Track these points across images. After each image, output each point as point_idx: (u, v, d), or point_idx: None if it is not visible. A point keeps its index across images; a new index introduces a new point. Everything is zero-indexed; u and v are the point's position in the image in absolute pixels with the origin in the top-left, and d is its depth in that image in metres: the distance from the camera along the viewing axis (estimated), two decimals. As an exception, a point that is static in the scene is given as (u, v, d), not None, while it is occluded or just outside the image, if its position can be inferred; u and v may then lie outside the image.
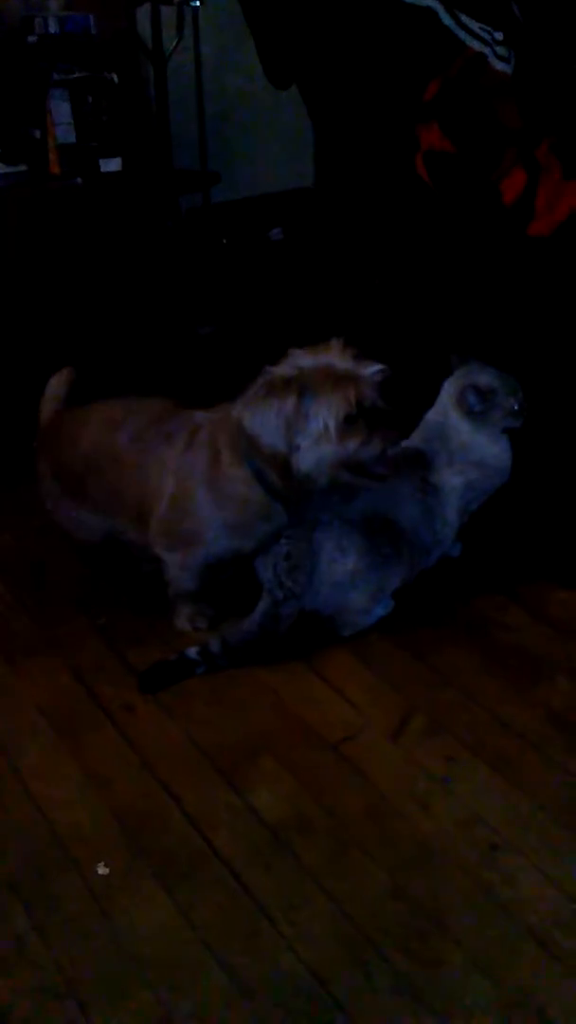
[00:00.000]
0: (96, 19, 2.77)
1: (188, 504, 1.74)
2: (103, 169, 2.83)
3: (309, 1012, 1.19)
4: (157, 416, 1.80)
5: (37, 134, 2.77)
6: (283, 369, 1.62)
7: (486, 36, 1.97)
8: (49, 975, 1.24)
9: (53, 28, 2.73)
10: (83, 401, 1.98)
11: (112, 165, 2.85)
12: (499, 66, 1.98)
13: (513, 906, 1.31)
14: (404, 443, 1.87)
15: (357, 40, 2.05)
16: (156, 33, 2.85)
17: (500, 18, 2.00)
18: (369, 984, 1.22)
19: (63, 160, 2.77)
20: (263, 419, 1.60)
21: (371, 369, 1.61)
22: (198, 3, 2.89)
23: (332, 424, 1.58)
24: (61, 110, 2.73)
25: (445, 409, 1.86)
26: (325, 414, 1.58)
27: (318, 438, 1.59)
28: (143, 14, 2.90)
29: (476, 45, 1.96)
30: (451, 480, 1.83)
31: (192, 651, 1.73)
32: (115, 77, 2.80)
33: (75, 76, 2.75)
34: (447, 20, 1.94)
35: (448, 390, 1.87)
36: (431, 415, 1.89)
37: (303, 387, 1.58)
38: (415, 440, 1.87)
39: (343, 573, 1.72)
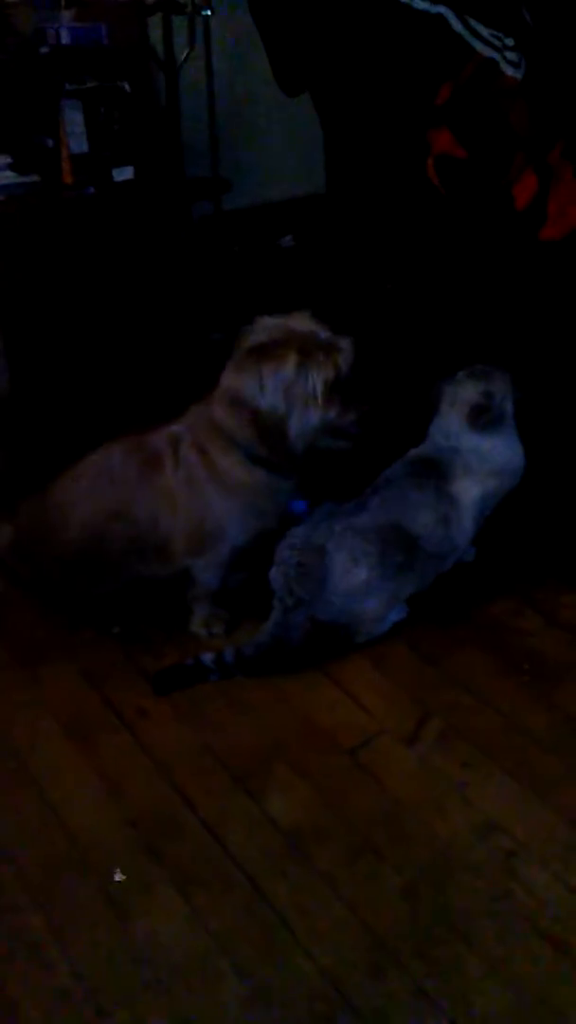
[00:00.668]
0: (108, 29, 2.78)
1: (201, 509, 1.75)
2: (116, 178, 2.84)
3: (326, 1017, 1.19)
4: (128, 453, 1.80)
5: (50, 144, 2.78)
6: (266, 335, 1.66)
7: (496, 42, 1.97)
8: (65, 980, 1.24)
9: (65, 39, 2.74)
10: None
11: (124, 174, 2.86)
12: (510, 71, 1.98)
13: (530, 912, 1.30)
14: (415, 451, 1.87)
15: (368, 46, 2.06)
16: (168, 43, 2.87)
17: (510, 24, 2.01)
18: (386, 990, 1.21)
19: (76, 170, 2.78)
20: (262, 382, 1.63)
21: (346, 340, 1.66)
22: (209, 12, 2.91)
23: (320, 390, 1.62)
24: (74, 120, 2.75)
25: (451, 424, 1.84)
26: (315, 379, 1.62)
27: (307, 403, 1.63)
28: (155, 24, 2.92)
29: (487, 51, 1.97)
30: (470, 491, 1.82)
31: (207, 658, 1.74)
32: (127, 86, 2.82)
33: (87, 86, 2.76)
34: (458, 26, 1.95)
35: (454, 405, 1.84)
36: (436, 428, 1.88)
37: (300, 351, 1.61)
38: (427, 449, 1.87)
39: (357, 583, 1.72)
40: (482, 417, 1.79)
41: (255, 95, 3.31)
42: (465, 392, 1.83)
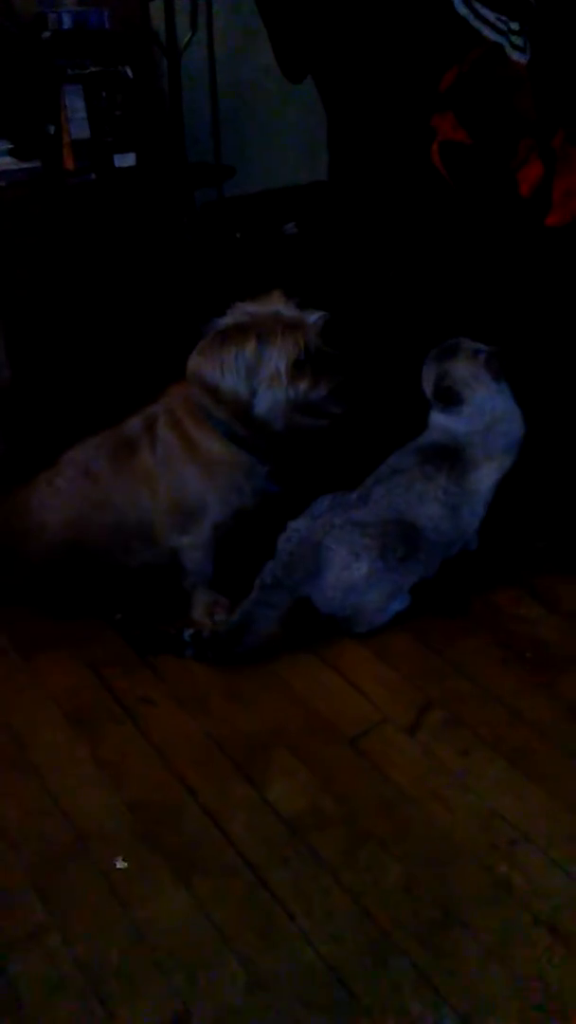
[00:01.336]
0: (110, 14, 2.76)
1: (181, 485, 1.79)
2: (117, 164, 2.82)
3: (326, 1005, 1.19)
4: (102, 444, 1.83)
5: (51, 130, 2.76)
6: (232, 319, 1.71)
7: (502, 26, 1.95)
8: (68, 967, 1.24)
9: (67, 23, 2.72)
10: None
11: (126, 160, 2.84)
12: (515, 56, 1.96)
13: (530, 899, 1.31)
14: (425, 440, 1.84)
15: (372, 30, 2.04)
16: (170, 27, 2.84)
17: (516, 8, 1.99)
18: (386, 976, 1.22)
19: (77, 155, 2.76)
20: (222, 366, 1.68)
21: (314, 316, 1.71)
22: (211, -4, 2.88)
23: (283, 368, 1.67)
24: (75, 105, 2.72)
25: (473, 394, 1.81)
26: (276, 358, 1.67)
27: (271, 381, 1.68)
28: (157, 8, 2.89)
29: (492, 35, 1.95)
30: (489, 476, 1.82)
31: (188, 632, 1.75)
32: (129, 72, 2.79)
33: (89, 71, 2.74)
34: (463, 10, 1.93)
35: (472, 376, 1.81)
36: (434, 416, 1.87)
37: (259, 333, 1.65)
38: (439, 437, 1.84)
39: (358, 577, 1.72)
40: (444, 399, 1.79)
41: (258, 81, 3.28)
42: (429, 374, 1.83)
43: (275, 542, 1.76)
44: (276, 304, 1.72)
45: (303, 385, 1.71)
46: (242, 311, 1.73)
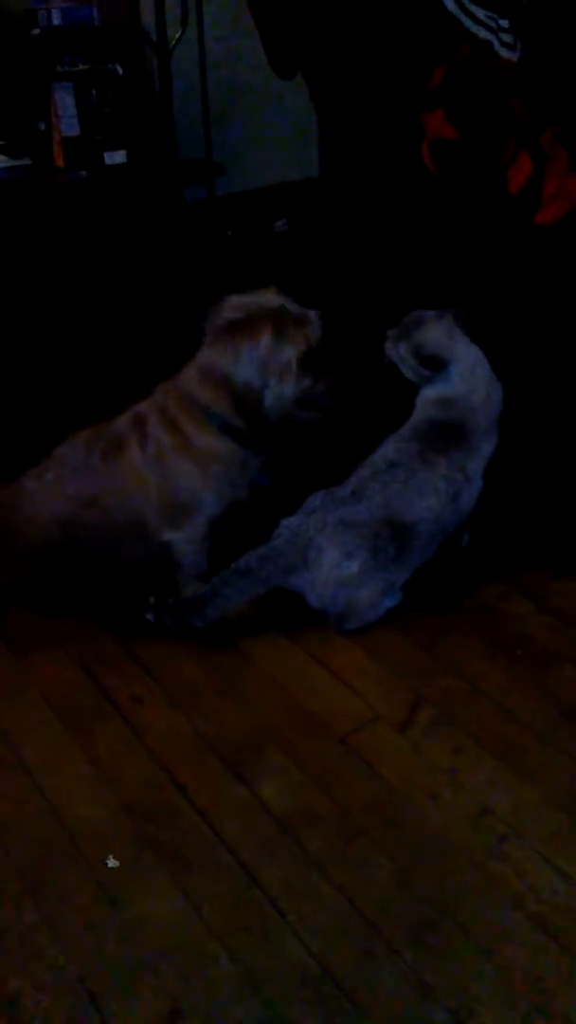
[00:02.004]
0: (99, 11, 2.76)
1: (175, 482, 1.79)
2: (108, 162, 2.82)
3: (317, 1003, 1.19)
4: (89, 442, 1.83)
5: (42, 127, 2.76)
6: (233, 312, 1.73)
7: (491, 23, 1.95)
8: (59, 966, 1.24)
9: (57, 20, 2.72)
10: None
11: (117, 158, 2.84)
12: (504, 53, 1.97)
13: (522, 897, 1.31)
14: (421, 420, 1.84)
15: (362, 28, 2.04)
16: (160, 24, 2.84)
17: (505, 5, 1.99)
18: (378, 974, 1.22)
19: (67, 153, 2.76)
20: (237, 357, 1.69)
21: (315, 312, 1.74)
22: (201, -7, 2.88)
23: (294, 361, 1.69)
24: (65, 103, 2.72)
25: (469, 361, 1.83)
26: (289, 352, 1.69)
27: (282, 375, 1.70)
28: (147, 5, 2.89)
29: (481, 32, 1.95)
30: (484, 450, 1.83)
31: (153, 599, 1.76)
32: (119, 69, 2.79)
33: (79, 68, 2.74)
34: (452, 7, 1.93)
35: (447, 335, 1.83)
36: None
37: (275, 325, 1.68)
38: (434, 413, 1.84)
39: (349, 575, 1.72)
40: (431, 366, 1.81)
41: (248, 78, 3.28)
42: (403, 355, 1.85)
43: (268, 537, 1.75)
44: (276, 299, 1.74)
45: (307, 380, 1.73)
46: (238, 303, 1.74)
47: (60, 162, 2.77)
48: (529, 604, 1.88)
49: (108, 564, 1.86)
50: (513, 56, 1.98)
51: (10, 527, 1.84)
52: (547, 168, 1.94)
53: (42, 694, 1.70)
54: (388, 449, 1.82)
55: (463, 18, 1.93)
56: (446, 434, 1.80)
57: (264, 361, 1.69)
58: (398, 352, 1.85)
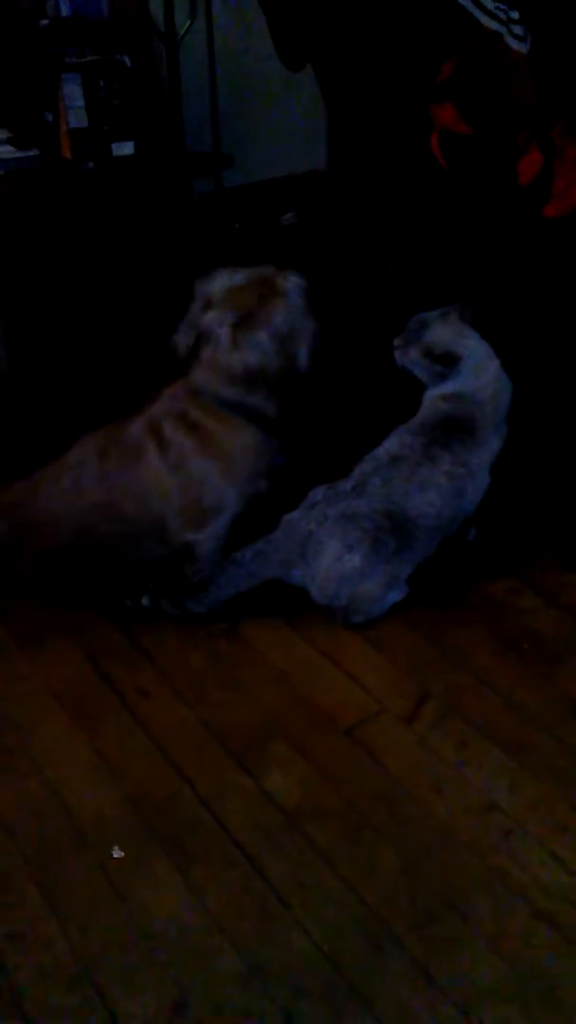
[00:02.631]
0: (108, 2, 2.75)
1: (198, 486, 1.77)
2: (115, 153, 2.81)
3: (323, 994, 1.19)
4: (105, 449, 1.81)
5: (49, 118, 2.75)
6: (224, 293, 1.75)
7: (502, 15, 1.94)
8: (64, 957, 1.25)
9: (65, 11, 2.71)
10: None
11: (124, 149, 2.83)
12: (515, 45, 1.95)
13: (527, 890, 1.31)
14: (429, 416, 1.84)
15: (372, 19, 2.03)
16: (168, 15, 2.83)
17: (516, -4, 1.98)
18: (383, 966, 1.22)
19: (75, 144, 2.75)
20: (262, 351, 1.73)
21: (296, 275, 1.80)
22: (210, -16, 2.87)
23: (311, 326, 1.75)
24: (73, 94, 2.71)
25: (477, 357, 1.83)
26: (313, 323, 1.75)
27: (300, 342, 1.75)
28: (155, -4, 2.88)
29: (491, 24, 1.94)
30: (492, 445, 1.82)
31: (151, 585, 1.80)
32: (127, 60, 2.78)
33: (87, 59, 2.73)
34: (462, -2, 1.92)
35: (456, 332, 1.83)
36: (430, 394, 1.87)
37: (272, 306, 1.73)
38: (445, 409, 1.82)
39: (350, 569, 1.72)
40: (444, 362, 1.80)
41: (257, 70, 3.27)
42: (414, 358, 1.84)
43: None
44: (266, 271, 1.78)
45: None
46: (231, 279, 1.77)
47: (67, 153, 2.76)
48: (537, 599, 1.87)
49: (124, 565, 1.85)
50: (523, 48, 1.97)
51: (25, 526, 1.83)
52: (557, 161, 1.93)
53: (49, 686, 1.70)
54: (392, 443, 1.82)
55: (473, 9, 1.92)
56: (452, 429, 1.79)
57: (282, 338, 1.72)
58: (409, 357, 1.84)
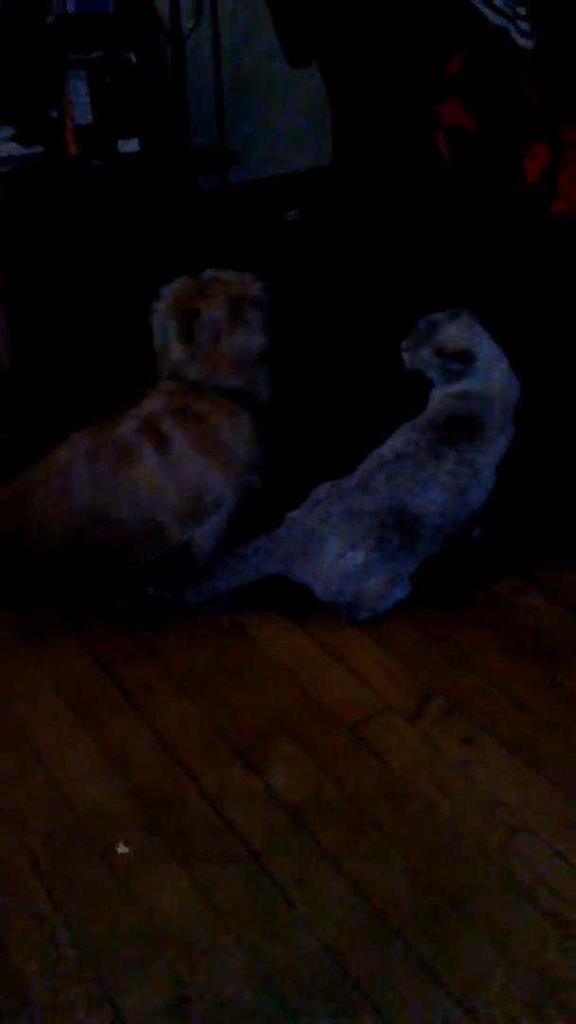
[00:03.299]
0: (114, -2, 2.75)
1: (197, 482, 1.79)
2: (121, 150, 2.81)
3: (328, 992, 1.19)
4: (95, 452, 1.80)
5: (54, 115, 2.75)
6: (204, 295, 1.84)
7: (509, 10, 1.94)
8: (70, 953, 1.25)
9: (71, 8, 2.70)
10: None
11: (130, 146, 2.83)
12: (521, 41, 1.95)
13: (532, 889, 1.31)
14: (438, 413, 1.83)
15: (378, 15, 2.03)
16: (174, 12, 2.83)
17: (523, -8, 1.97)
18: (388, 964, 1.22)
19: (80, 141, 2.75)
20: (250, 330, 1.83)
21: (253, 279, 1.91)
22: (216, -19, 2.86)
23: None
24: (79, 91, 2.71)
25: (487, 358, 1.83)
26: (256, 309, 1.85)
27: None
28: (161, -8, 2.88)
29: (499, 20, 1.94)
30: (499, 444, 1.82)
31: (151, 590, 1.79)
32: (133, 57, 2.78)
33: (93, 56, 2.73)
34: (469, -6, 1.92)
35: (468, 329, 1.83)
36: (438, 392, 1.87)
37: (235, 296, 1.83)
38: (454, 407, 1.82)
39: (354, 566, 1.72)
40: (459, 359, 1.80)
41: (262, 66, 3.27)
42: (425, 358, 1.84)
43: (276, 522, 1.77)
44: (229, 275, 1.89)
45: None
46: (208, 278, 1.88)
47: (73, 150, 2.76)
48: (542, 597, 1.87)
49: (119, 568, 1.85)
50: (530, 44, 1.97)
51: (24, 522, 1.82)
52: (564, 157, 1.93)
53: (54, 682, 1.70)
54: (397, 441, 1.82)
55: (480, 5, 1.92)
56: (459, 428, 1.79)
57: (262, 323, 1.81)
58: (420, 357, 1.84)
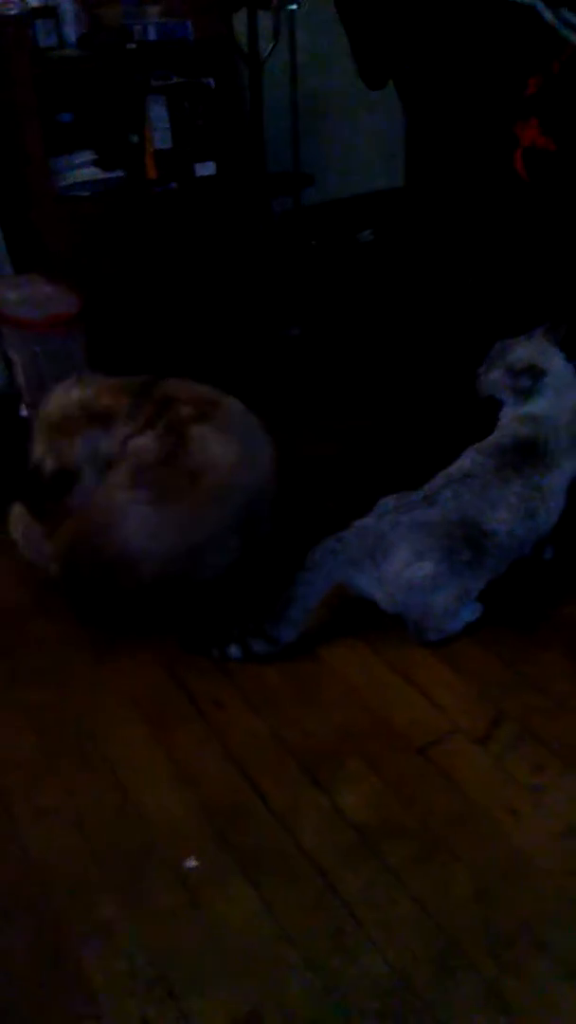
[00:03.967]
0: (194, 25, 2.81)
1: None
2: (198, 173, 2.87)
3: (394, 1012, 1.19)
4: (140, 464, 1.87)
5: (135, 139, 2.82)
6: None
7: (586, 31, 1.93)
8: (138, 961, 1.27)
9: (152, 35, 2.78)
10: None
11: (206, 169, 2.89)
12: (602, 63, 1.94)
13: (605, 919, 1.28)
14: (505, 436, 1.82)
15: (457, 38, 2.03)
16: (252, 37, 2.87)
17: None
18: (456, 988, 1.21)
19: (159, 165, 2.82)
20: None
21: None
22: (295, 7, 2.90)
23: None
24: (159, 116, 2.78)
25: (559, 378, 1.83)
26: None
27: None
28: (240, 19, 2.93)
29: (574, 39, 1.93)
30: (568, 468, 1.80)
31: (237, 630, 1.77)
32: (212, 82, 2.84)
33: (173, 82, 2.80)
34: (548, 16, 1.91)
35: (539, 350, 1.84)
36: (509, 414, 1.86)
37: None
38: (522, 430, 1.81)
39: (421, 578, 1.71)
40: (529, 375, 1.80)
41: (337, 89, 3.30)
42: (497, 378, 1.84)
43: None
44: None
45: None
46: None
47: (152, 174, 2.83)
48: (616, 621, 1.84)
49: (193, 584, 1.87)
50: (610, 65, 1.95)
51: (111, 559, 1.83)
52: None
53: (127, 694, 1.73)
54: (465, 461, 1.81)
55: (562, 28, 1.91)
56: (525, 451, 1.78)
57: None
58: (491, 379, 1.83)
